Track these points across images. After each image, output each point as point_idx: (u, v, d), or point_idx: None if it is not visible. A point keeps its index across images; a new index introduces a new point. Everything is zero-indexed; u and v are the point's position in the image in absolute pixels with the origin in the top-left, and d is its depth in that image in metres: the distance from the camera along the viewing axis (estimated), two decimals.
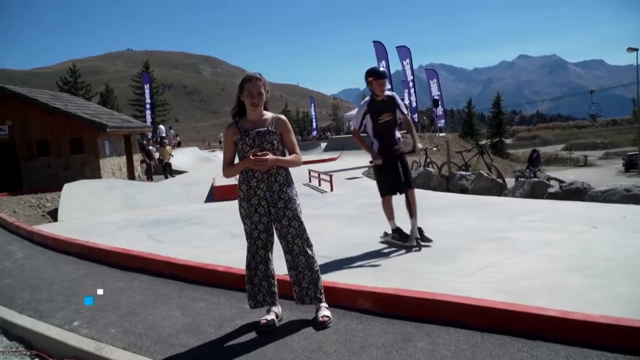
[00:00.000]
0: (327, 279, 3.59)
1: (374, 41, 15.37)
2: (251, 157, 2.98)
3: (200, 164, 25.38)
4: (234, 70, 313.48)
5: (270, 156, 3.00)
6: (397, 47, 23.29)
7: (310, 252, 3.13)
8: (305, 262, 3.11)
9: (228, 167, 3.16)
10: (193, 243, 5.95)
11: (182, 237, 6.48)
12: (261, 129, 3.08)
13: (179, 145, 30.81)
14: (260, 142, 3.05)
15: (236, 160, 3.17)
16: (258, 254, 3.14)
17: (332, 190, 10.38)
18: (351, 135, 6.04)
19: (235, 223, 7.19)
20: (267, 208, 3.10)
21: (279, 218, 3.09)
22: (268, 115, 3.17)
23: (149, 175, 18.16)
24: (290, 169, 3.20)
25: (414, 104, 25.22)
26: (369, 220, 6.53)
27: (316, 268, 3.15)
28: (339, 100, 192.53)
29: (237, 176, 3.21)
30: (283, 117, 3.21)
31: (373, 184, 11.12)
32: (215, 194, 10.58)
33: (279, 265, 3.29)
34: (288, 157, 3.13)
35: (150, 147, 19.25)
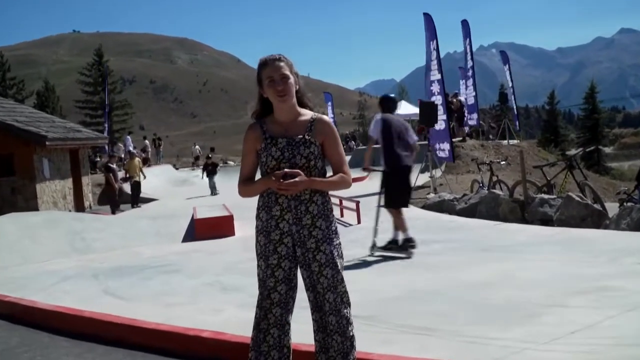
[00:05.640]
0: (357, 347, 3.59)
1: (424, 13, 15.84)
2: (273, 178, 2.92)
3: (175, 189, 25.60)
4: (220, 57, 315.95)
5: (301, 177, 2.94)
6: (461, 22, 23.85)
7: (345, 312, 3.08)
8: (337, 324, 3.06)
9: (245, 184, 3.13)
10: (167, 299, 6.00)
11: (151, 291, 6.54)
12: (295, 137, 3.05)
13: (145, 162, 31.07)
14: (292, 156, 3.00)
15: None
16: (272, 313, 3.08)
17: (359, 222, 10.41)
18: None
19: (226, 270, 7.27)
20: (292, 248, 3.07)
21: (307, 263, 3.05)
22: (306, 115, 3.14)
23: (114, 205, 17.93)
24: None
25: (471, 100, 25.02)
26: (409, 264, 6.54)
27: (350, 334, 3.10)
28: (367, 96, 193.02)
29: (257, 199, 3.16)
30: (327, 118, 3.18)
31: (414, 212, 11.12)
32: (197, 231, 10.66)
33: (298, 330, 3.30)
34: (331, 178, 3.09)
35: (114, 166, 18.96)
